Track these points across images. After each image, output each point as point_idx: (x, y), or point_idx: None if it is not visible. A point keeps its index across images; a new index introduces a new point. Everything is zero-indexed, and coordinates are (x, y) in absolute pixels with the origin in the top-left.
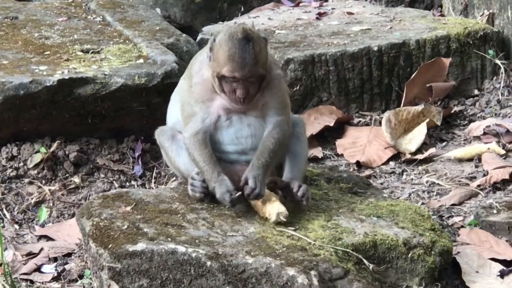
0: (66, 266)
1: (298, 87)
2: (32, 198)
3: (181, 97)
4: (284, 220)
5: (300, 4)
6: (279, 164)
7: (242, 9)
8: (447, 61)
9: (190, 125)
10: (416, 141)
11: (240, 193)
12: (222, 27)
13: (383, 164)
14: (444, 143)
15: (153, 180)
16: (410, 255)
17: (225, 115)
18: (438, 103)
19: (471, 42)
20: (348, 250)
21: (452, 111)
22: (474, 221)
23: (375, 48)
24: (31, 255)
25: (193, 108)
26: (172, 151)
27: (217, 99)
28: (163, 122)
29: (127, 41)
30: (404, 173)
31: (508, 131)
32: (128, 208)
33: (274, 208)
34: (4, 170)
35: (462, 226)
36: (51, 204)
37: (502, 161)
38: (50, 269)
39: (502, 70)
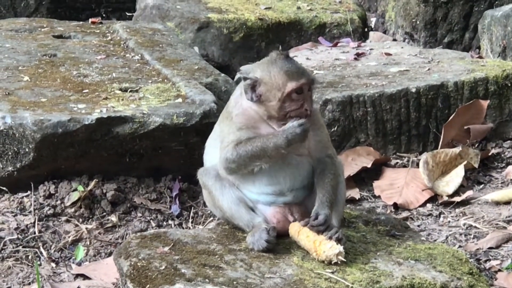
0: None
1: (336, 128)
2: (69, 237)
3: (221, 135)
4: (344, 261)
5: (338, 44)
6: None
7: (280, 48)
8: (485, 103)
9: (231, 147)
10: (454, 184)
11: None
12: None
13: (420, 206)
14: (481, 186)
15: (190, 220)
16: None
17: None
18: (476, 146)
19: (509, 85)
20: None
21: (490, 154)
22: None
23: (413, 90)
24: None
25: (235, 133)
26: (216, 190)
27: (262, 127)
28: (200, 161)
29: (165, 80)
30: (442, 216)
31: None
32: (166, 249)
33: (332, 249)
34: (41, 208)
35: (499, 270)
36: (88, 243)
37: None
38: None
39: None
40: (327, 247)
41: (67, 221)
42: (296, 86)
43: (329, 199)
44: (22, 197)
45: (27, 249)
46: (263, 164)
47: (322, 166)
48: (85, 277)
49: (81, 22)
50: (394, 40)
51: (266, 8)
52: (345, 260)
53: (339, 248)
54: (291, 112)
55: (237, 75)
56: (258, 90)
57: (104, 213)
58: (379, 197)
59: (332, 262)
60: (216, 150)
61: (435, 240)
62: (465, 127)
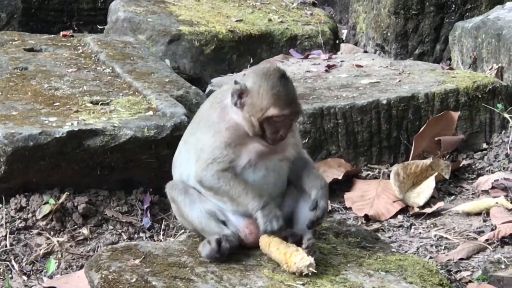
0: None
1: (306, 140)
2: (40, 250)
3: (200, 144)
4: (315, 272)
5: (309, 57)
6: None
7: (251, 60)
8: (455, 114)
9: (212, 165)
10: (425, 195)
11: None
12: (231, 78)
13: (391, 217)
14: (452, 197)
15: (161, 232)
16: None
17: (254, 160)
18: (447, 157)
19: (480, 96)
20: None
21: (461, 165)
22: (482, 276)
23: (384, 102)
24: None
25: (221, 151)
26: (185, 205)
27: (249, 143)
28: (172, 174)
29: (136, 93)
30: (412, 227)
31: None
32: (137, 261)
33: (303, 261)
34: (13, 221)
35: (470, 281)
36: (60, 256)
37: (511, 215)
38: None
39: (511, 124)
40: (298, 259)
41: (39, 234)
42: (277, 114)
43: (325, 192)
44: None
45: None
46: (231, 205)
47: (302, 163)
48: None
49: (52, 35)
50: (365, 52)
51: (237, 21)
52: (315, 271)
53: (310, 259)
54: (267, 133)
55: (208, 88)
56: (244, 99)
57: (76, 226)
58: (350, 208)
59: (303, 274)
60: (186, 163)
61: (406, 252)
62: (436, 139)
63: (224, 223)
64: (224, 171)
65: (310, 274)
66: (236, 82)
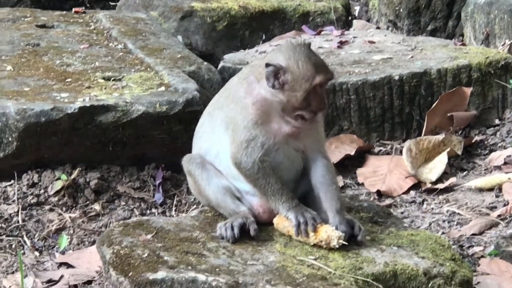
0: None
1: None
2: (52, 225)
3: (233, 121)
4: (345, 244)
5: (322, 33)
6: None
7: (264, 37)
8: (468, 90)
9: (249, 150)
10: (437, 171)
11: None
12: (243, 55)
13: (403, 193)
14: (464, 173)
15: (173, 208)
16: (430, 285)
17: (277, 141)
18: (459, 133)
19: (492, 72)
20: (368, 279)
21: (473, 141)
22: (495, 251)
23: (396, 77)
24: (51, 282)
25: (251, 131)
26: (202, 179)
27: (273, 122)
28: (184, 150)
29: (148, 69)
30: (425, 203)
31: None
32: (149, 236)
33: (334, 233)
34: (25, 197)
35: (482, 256)
36: (72, 232)
37: None
38: None
39: None
40: (330, 229)
41: (51, 210)
42: (323, 80)
43: (342, 217)
44: (6, 186)
45: (11, 238)
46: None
47: (321, 168)
48: (68, 265)
49: (64, 12)
50: (378, 28)
51: None
52: (346, 243)
53: (340, 232)
54: (313, 104)
55: (221, 64)
56: (282, 78)
57: (88, 202)
58: (362, 184)
59: (331, 244)
60: (210, 137)
61: (418, 227)
62: (448, 114)
63: (238, 199)
64: (263, 161)
65: (337, 246)
66: (267, 65)
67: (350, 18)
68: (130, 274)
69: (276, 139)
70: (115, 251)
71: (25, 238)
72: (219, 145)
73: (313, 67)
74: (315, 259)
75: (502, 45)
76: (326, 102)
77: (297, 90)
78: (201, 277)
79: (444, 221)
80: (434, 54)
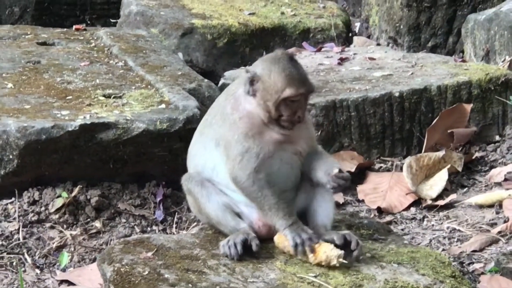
0: None
1: (319, 133)
2: (53, 243)
3: (223, 138)
4: (345, 262)
5: (322, 49)
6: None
7: (264, 53)
8: (468, 107)
9: (244, 162)
10: (437, 187)
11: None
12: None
13: (404, 210)
14: (465, 189)
15: (174, 225)
16: None
17: (272, 150)
18: (459, 149)
19: (492, 88)
20: None
21: (473, 157)
22: (495, 268)
23: (397, 94)
24: None
25: (243, 144)
26: (202, 196)
27: (265, 132)
28: (184, 167)
29: (149, 86)
30: (425, 219)
31: None
32: (149, 254)
33: (333, 252)
34: (25, 214)
35: (482, 273)
36: (72, 249)
37: None
38: None
39: None
40: (329, 249)
41: (52, 227)
42: (293, 94)
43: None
44: (7, 204)
45: (12, 255)
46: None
47: (317, 155)
48: (69, 283)
49: (65, 29)
50: (378, 44)
51: (250, 14)
52: (346, 262)
53: (340, 251)
54: (284, 117)
55: (221, 81)
56: (256, 86)
57: (88, 219)
58: (363, 201)
59: (331, 264)
60: (203, 152)
61: (418, 244)
62: (449, 131)
63: (238, 215)
64: (258, 172)
65: (337, 265)
66: (246, 71)
67: (350, 34)
68: None
69: (271, 147)
70: (115, 268)
71: (26, 256)
72: (214, 160)
73: (284, 80)
74: (315, 276)
75: (502, 61)
76: (301, 115)
77: (269, 100)
78: None
79: (444, 237)
80: (434, 70)
